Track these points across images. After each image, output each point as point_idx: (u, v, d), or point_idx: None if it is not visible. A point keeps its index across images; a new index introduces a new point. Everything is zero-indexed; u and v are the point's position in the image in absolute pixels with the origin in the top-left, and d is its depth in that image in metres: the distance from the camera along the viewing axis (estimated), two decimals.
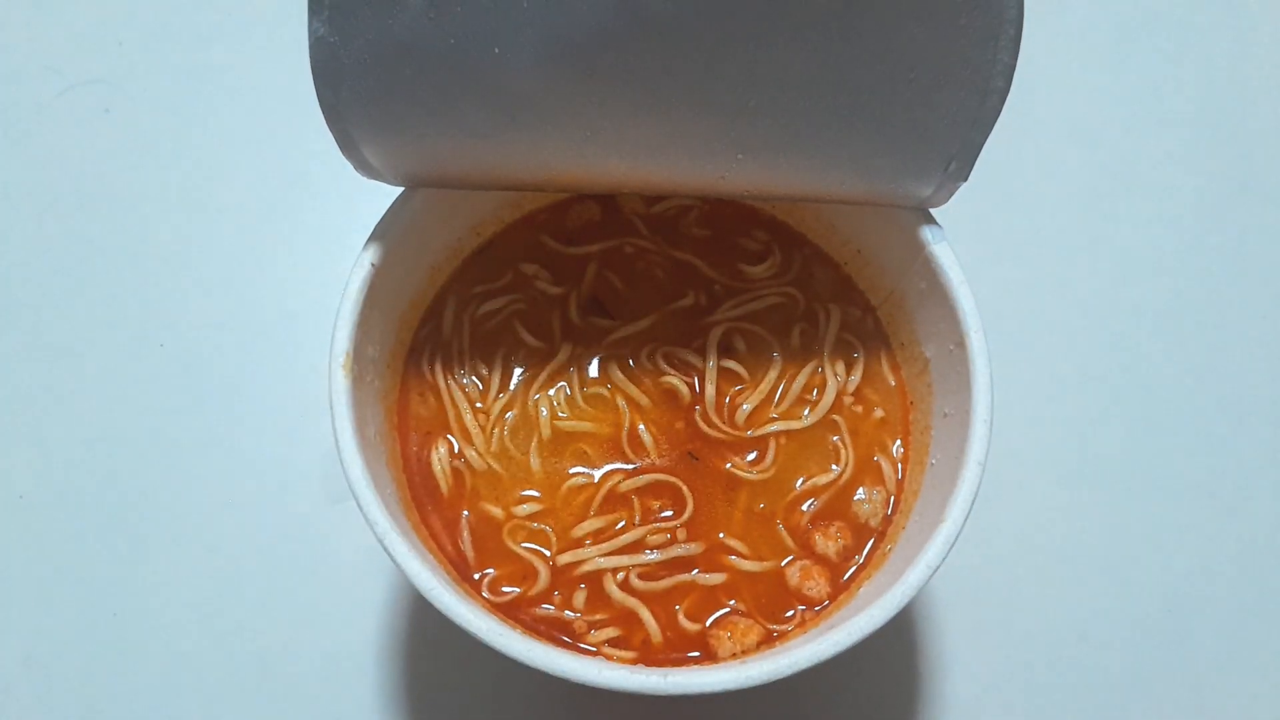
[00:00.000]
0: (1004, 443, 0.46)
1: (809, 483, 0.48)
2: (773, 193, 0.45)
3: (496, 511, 0.47)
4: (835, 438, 0.49)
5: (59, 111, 0.69)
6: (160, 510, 0.58)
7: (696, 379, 0.50)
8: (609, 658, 0.44)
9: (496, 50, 0.37)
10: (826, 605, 0.46)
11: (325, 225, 0.65)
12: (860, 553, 0.47)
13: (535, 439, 0.48)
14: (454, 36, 0.37)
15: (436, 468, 0.48)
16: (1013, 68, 0.39)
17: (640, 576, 0.46)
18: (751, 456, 0.49)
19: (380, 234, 0.45)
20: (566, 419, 0.49)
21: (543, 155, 0.42)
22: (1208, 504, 0.60)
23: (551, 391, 0.49)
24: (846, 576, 0.46)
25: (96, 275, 0.64)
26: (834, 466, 0.49)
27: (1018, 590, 0.57)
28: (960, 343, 0.44)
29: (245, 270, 0.64)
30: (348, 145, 0.42)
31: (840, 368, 0.50)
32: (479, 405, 0.49)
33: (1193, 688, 0.56)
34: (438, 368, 0.50)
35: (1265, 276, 0.66)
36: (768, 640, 0.45)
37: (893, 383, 0.51)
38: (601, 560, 0.46)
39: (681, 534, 0.47)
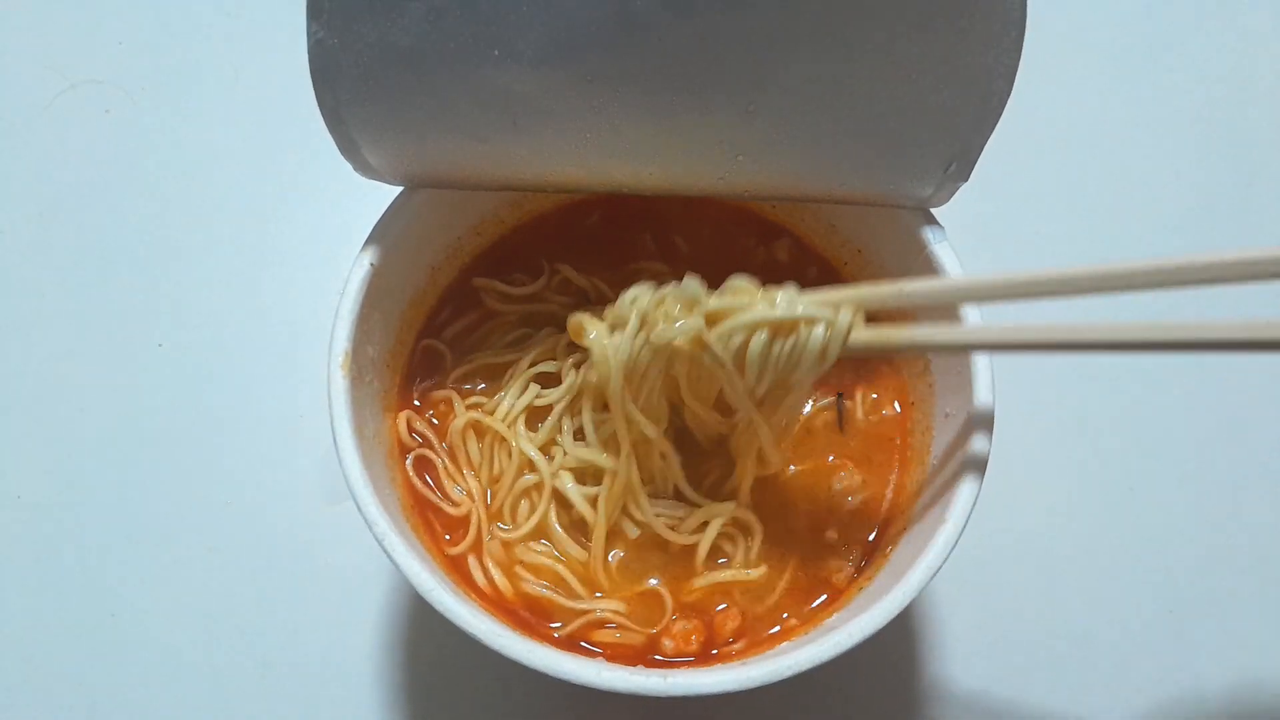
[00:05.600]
0: (1005, 443, 0.46)
1: (810, 484, 0.48)
2: (772, 193, 0.45)
3: None
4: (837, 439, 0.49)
5: (59, 111, 0.69)
6: (158, 511, 0.58)
7: None
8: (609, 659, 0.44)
9: (496, 54, 0.37)
10: (827, 607, 0.46)
11: (324, 225, 0.65)
12: (861, 554, 0.47)
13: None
14: (453, 40, 0.37)
15: None
16: (1015, 70, 0.39)
17: None
18: None
19: (380, 234, 0.45)
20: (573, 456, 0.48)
21: (542, 157, 0.42)
22: (1208, 504, 0.60)
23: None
24: (847, 578, 0.46)
25: (95, 275, 0.64)
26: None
27: (1019, 591, 0.57)
28: None
29: (244, 270, 0.64)
30: (348, 147, 0.42)
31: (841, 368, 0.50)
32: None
33: (1193, 688, 0.56)
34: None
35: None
36: (768, 642, 0.45)
37: (894, 383, 0.51)
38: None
39: None
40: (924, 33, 0.37)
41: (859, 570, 0.46)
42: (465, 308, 0.51)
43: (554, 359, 0.49)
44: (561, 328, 0.48)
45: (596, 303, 0.50)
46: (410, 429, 0.48)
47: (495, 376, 0.49)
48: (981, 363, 0.43)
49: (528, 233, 0.53)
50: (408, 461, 0.47)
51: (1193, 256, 0.34)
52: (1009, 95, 0.39)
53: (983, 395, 0.43)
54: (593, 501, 0.45)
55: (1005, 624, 0.56)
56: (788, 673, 0.38)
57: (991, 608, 0.57)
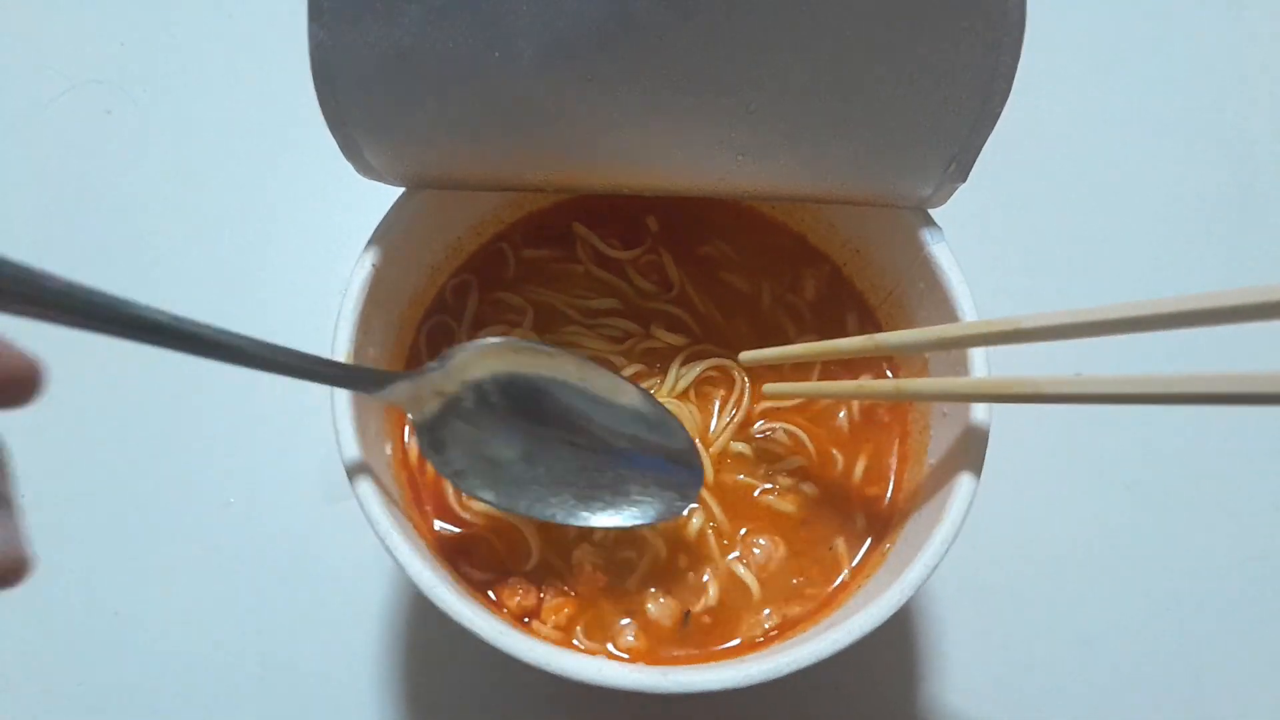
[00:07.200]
0: (1002, 442, 0.46)
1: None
2: (772, 193, 0.46)
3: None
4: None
5: (60, 112, 0.69)
6: (160, 510, 0.58)
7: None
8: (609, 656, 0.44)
9: (496, 55, 0.38)
10: (826, 605, 0.46)
11: (326, 226, 0.65)
12: (859, 552, 0.47)
13: None
14: (453, 41, 0.37)
15: None
16: (1014, 70, 0.39)
17: None
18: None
19: (381, 234, 0.46)
20: None
21: (543, 157, 0.43)
22: (1209, 504, 0.60)
23: None
24: (845, 576, 0.47)
25: (96, 276, 0.63)
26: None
27: (1017, 590, 0.57)
28: None
29: (246, 271, 0.64)
30: (349, 148, 0.42)
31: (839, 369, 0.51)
32: None
33: (1193, 688, 0.56)
34: None
35: (1266, 277, 0.66)
36: (767, 639, 0.45)
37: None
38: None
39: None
40: (924, 33, 0.37)
41: (857, 569, 0.47)
42: (545, 240, 0.53)
43: (624, 357, 0.50)
44: (629, 308, 0.50)
45: (676, 302, 0.52)
46: (449, 295, 0.51)
47: (552, 318, 0.51)
48: (979, 362, 0.43)
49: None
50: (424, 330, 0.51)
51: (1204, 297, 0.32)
52: (1008, 95, 0.40)
53: None
54: None
55: (1004, 623, 0.56)
56: (787, 669, 0.38)
57: (990, 606, 0.57)
